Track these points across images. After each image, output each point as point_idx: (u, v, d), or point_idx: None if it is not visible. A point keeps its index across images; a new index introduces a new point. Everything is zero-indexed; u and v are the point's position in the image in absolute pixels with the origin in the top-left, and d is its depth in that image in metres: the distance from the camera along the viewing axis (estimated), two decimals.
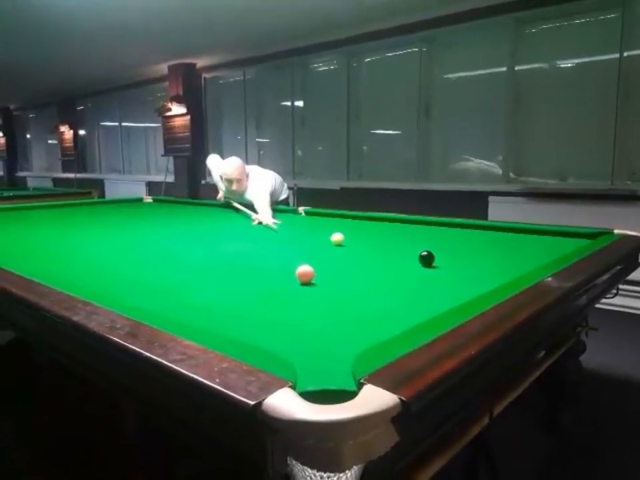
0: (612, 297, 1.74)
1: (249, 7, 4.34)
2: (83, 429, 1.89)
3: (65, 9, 4.36)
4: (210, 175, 3.85)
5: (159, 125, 7.36)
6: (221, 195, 3.52)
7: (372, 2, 4.19)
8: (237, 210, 3.18)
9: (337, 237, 2.01)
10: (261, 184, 3.12)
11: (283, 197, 3.51)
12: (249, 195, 3.09)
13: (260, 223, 2.68)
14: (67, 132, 9.45)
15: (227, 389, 0.68)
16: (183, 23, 4.83)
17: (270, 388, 0.67)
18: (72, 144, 9.44)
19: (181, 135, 6.88)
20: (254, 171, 3.27)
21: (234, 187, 3.07)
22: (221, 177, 3.18)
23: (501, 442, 1.35)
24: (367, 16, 4.59)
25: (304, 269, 1.37)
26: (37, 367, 2.29)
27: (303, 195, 5.66)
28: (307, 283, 1.37)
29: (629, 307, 3.48)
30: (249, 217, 2.87)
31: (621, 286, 1.79)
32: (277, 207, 3.25)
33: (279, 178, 3.44)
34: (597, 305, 1.69)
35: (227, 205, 3.37)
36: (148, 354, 0.80)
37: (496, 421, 1.14)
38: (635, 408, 2.20)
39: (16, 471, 1.75)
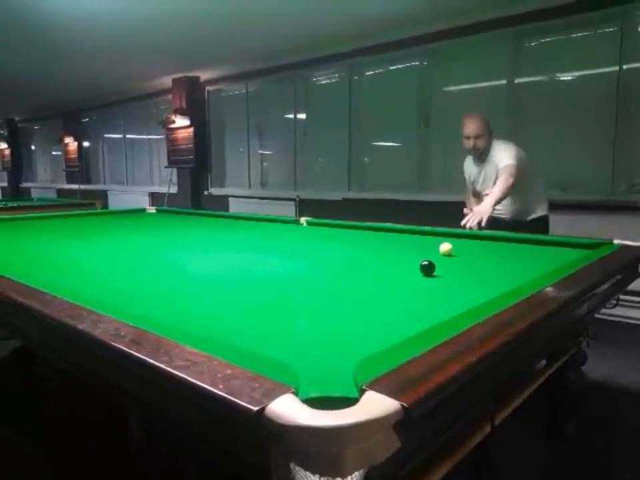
0: (612, 307, 1.75)
1: (251, 20, 4.41)
2: (87, 435, 1.89)
3: (69, 22, 4.44)
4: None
5: (162, 137, 7.43)
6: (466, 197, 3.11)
7: (373, 16, 4.25)
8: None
9: (445, 247, 1.92)
10: (509, 153, 2.65)
11: (539, 212, 2.86)
12: (491, 163, 2.70)
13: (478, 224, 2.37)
14: (71, 143, 9.54)
15: (231, 395, 0.69)
16: (187, 36, 4.90)
17: (273, 394, 0.67)
18: (76, 155, 9.52)
19: (185, 146, 6.94)
20: (503, 144, 2.80)
21: (470, 142, 2.72)
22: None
23: (503, 450, 1.35)
24: (368, 30, 4.65)
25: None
26: (41, 375, 2.29)
27: (304, 206, 5.69)
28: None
29: (630, 317, 3.48)
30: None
31: (621, 296, 1.80)
32: (278, 217, 3.18)
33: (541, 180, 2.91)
34: (598, 315, 1.70)
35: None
36: (152, 361, 0.81)
37: (498, 430, 1.14)
38: (636, 417, 2.19)
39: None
